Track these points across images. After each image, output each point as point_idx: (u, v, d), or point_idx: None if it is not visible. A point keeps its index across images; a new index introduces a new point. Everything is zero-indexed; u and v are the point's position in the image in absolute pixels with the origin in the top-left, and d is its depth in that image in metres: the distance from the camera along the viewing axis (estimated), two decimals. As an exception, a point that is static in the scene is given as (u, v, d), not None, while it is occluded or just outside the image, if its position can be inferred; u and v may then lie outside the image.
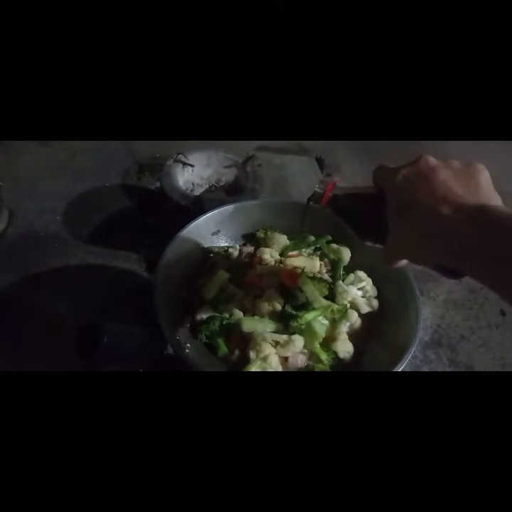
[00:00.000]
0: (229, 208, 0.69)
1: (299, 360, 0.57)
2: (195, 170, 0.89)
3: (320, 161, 1.10)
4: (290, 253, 0.68)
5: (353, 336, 0.61)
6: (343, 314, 0.60)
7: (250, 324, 0.57)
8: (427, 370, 0.74)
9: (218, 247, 0.69)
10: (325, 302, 0.60)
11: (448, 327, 0.81)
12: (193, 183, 0.89)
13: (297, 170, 1.07)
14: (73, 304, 0.70)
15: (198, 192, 0.89)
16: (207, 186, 0.91)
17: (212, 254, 0.68)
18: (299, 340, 0.56)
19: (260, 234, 0.70)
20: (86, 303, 0.71)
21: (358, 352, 0.60)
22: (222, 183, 0.91)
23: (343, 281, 0.65)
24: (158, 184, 0.96)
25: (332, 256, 0.68)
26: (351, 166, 1.11)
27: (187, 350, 0.53)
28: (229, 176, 0.91)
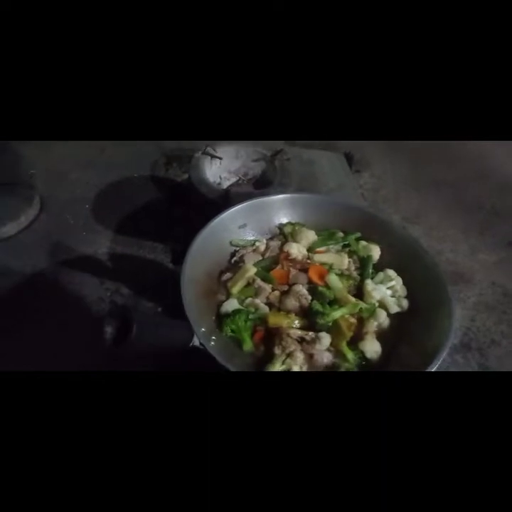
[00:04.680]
0: (256, 201, 0.68)
1: (324, 358, 0.56)
2: (223, 163, 0.89)
3: (349, 157, 1.08)
4: (318, 249, 0.67)
5: (381, 336, 0.60)
6: (372, 313, 0.59)
7: (276, 320, 0.57)
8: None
9: (245, 240, 0.69)
10: (353, 300, 0.59)
11: (478, 331, 0.78)
12: (220, 177, 0.89)
13: (326, 165, 1.05)
14: (100, 292, 0.71)
15: (225, 185, 0.88)
16: (235, 179, 0.91)
17: (238, 248, 0.67)
18: (325, 338, 0.55)
19: (287, 228, 0.70)
20: (113, 291, 0.72)
21: (385, 353, 0.59)
22: (249, 177, 0.91)
23: (372, 279, 0.63)
24: (186, 176, 0.96)
25: (361, 253, 0.66)
26: (380, 162, 1.09)
27: (212, 343, 0.53)
28: (257, 169, 0.90)
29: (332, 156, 1.09)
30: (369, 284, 0.61)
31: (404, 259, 0.66)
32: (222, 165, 0.89)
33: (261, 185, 0.88)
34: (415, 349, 0.57)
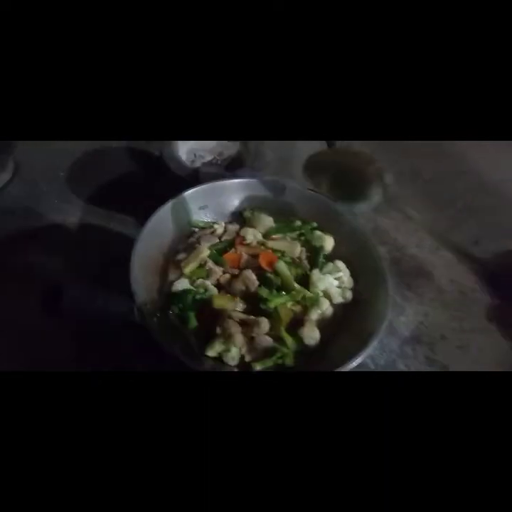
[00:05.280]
0: (218, 183, 0.69)
1: (264, 342, 0.58)
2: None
3: (330, 144, 1.08)
4: (273, 236, 0.68)
5: (324, 324, 0.62)
6: (314, 302, 0.61)
7: (221, 302, 0.59)
8: (402, 365, 0.74)
9: (204, 222, 0.70)
10: (297, 288, 0.61)
11: (430, 325, 0.80)
12: (195, 154, 0.89)
13: (306, 151, 1.05)
14: (59, 261, 0.72)
15: (198, 163, 0.89)
16: (210, 158, 0.91)
17: (197, 229, 0.69)
18: (264, 323, 0.57)
19: (247, 213, 0.71)
20: (76, 261, 0.73)
21: (326, 340, 0.61)
22: (224, 157, 0.91)
23: (321, 269, 0.65)
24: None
25: (314, 243, 0.68)
26: (361, 151, 1.09)
27: (155, 319, 0.55)
28: (232, 149, 0.90)
29: (314, 142, 1.08)
30: (315, 273, 0.63)
31: (354, 250, 0.68)
32: (198, 142, 0.89)
33: (234, 166, 0.88)
34: (352, 336, 0.60)
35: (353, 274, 0.66)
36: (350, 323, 0.62)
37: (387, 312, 0.59)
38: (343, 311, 0.64)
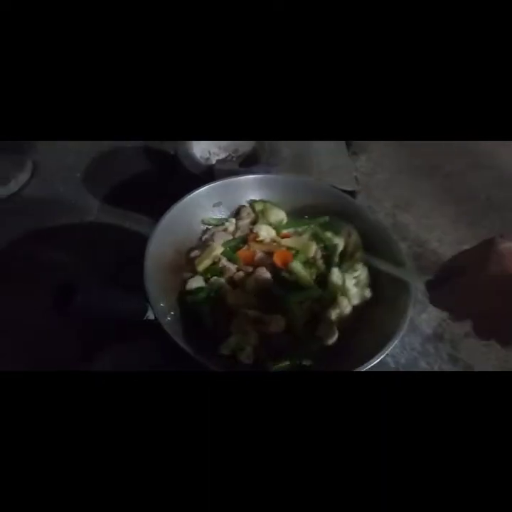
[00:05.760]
0: (233, 180, 0.68)
1: (280, 341, 0.57)
2: (213, 137, 0.88)
3: (349, 144, 1.06)
4: (287, 232, 0.67)
5: (342, 323, 0.60)
6: (332, 301, 0.59)
7: (235, 299, 0.58)
8: (424, 363, 0.72)
9: (217, 219, 0.69)
10: (314, 287, 0.59)
11: (453, 322, 0.78)
12: (209, 152, 0.88)
13: (322, 146, 1.03)
14: (75, 260, 0.72)
15: (214, 160, 0.88)
16: (224, 155, 0.90)
17: (209, 226, 0.68)
18: (279, 321, 0.56)
19: (258, 206, 0.70)
20: (91, 261, 0.74)
21: (346, 338, 0.59)
22: (239, 154, 0.90)
23: (338, 267, 0.63)
24: (179, 149, 0.96)
25: (328, 242, 0.66)
26: (379, 146, 1.07)
27: (168, 318, 0.55)
28: (247, 146, 0.89)
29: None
30: (334, 272, 0.61)
31: (374, 246, 0.66)
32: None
33: (249, 163, 0.87)
34: (373, 334, 0.58)
35: (373, 271, 0.64)
36: (370, 321, 0.61)
37: (409, 309, 0.57)
38: (362, 309, 0.62)
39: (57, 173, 0.88)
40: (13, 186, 0.82)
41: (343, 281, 0.61)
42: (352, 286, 0.62)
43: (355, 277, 0.63)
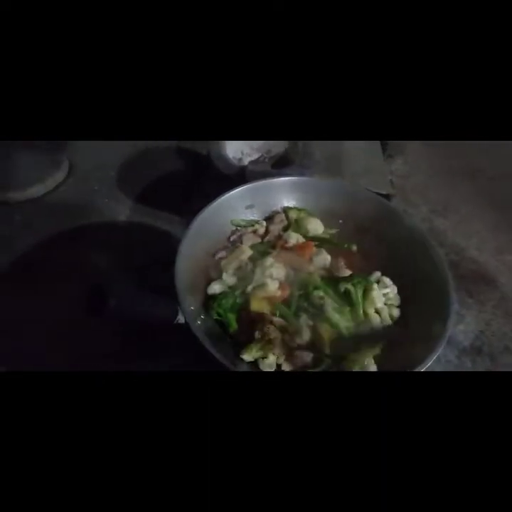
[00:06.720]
0: (265, 182, 0.67)
1: (304, 356, 0.55)
2: (246, 138, 0.87)
3: (384, 144, 1.03)
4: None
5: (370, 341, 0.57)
6: (364, 320, 0.58)
7: (259, 305, 0.57)
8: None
9: (247, 220, 0.68)
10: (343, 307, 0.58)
11: (493, 335, 0.74)
12: (242, 152, 0.88)
13: (356, 148, 1.01)
14: (107, 260, 0.73)
15: (246, 161, 0.87)
16: (257, 156, 0.89)
17: (239, 228, 0.67)
18: (305, 333, 0.55)
19: (292, 213, 0.68)
20: (123, 260, 0.74)
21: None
22: (272, 154, 0.89)
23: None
24: (211, 149, 0.96)
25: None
26: (416, 148, 1.03)
27: (198, 322, 0.54)
28: (280, 148, 0.88)
29: (363, 141, 1.04)
30: (375, 289, 0.59)
31: (411, 252, 0.64)
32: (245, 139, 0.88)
33: (281, 165, 0.86)
34: (403, 355, 0.55)
35: (409, 278, 0.62)
36: (400, 341, 0.58)
37: (449, 321, 0.54)
38: (391, 327, 0.60)
39: (92, 173, 0.90)
40: (50, 185, 0.84)
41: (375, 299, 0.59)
42: (382, 304, 0.60)
43: (384, 294, 0.61)
